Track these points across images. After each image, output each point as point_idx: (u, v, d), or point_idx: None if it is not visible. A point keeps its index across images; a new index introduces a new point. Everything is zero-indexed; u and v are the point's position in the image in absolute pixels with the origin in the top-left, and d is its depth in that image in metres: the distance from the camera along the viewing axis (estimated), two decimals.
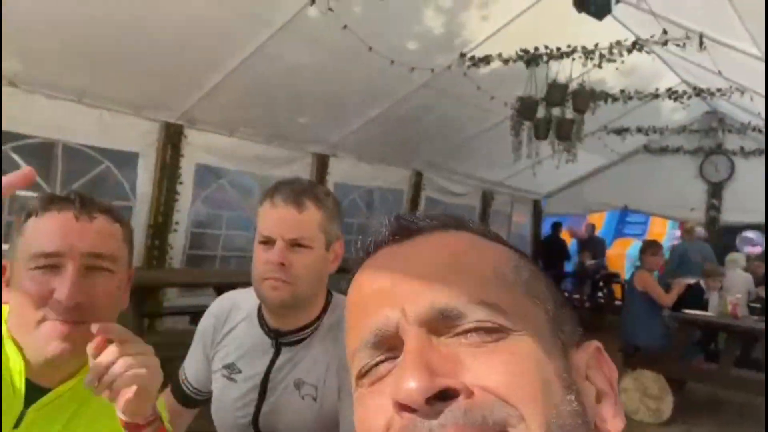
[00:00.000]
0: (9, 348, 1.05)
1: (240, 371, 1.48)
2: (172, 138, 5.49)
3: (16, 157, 4.63)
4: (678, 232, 10.32)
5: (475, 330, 0.48)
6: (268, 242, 1.39)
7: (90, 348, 0.93)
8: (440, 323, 0.49)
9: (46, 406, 1.05)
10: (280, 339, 1.46)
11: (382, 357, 0.51)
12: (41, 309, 1.00)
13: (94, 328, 0.93)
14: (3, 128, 4.49)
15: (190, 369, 1.62)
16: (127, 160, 5.38)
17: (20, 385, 1.04)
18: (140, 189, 5.46)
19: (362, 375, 0.52)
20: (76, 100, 4.76)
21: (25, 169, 0.72)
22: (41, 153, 4.82)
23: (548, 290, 0.55)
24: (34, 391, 1.05)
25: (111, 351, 0.93)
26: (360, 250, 0.59)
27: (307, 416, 1.41)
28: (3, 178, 0.72)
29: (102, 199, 1.11)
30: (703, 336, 6.27)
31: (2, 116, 4.38)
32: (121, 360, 0.92)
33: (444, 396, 0.45)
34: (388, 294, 0.52)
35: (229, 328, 1.54)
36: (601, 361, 0.55)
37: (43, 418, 1.05)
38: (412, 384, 0.44)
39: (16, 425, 1.03)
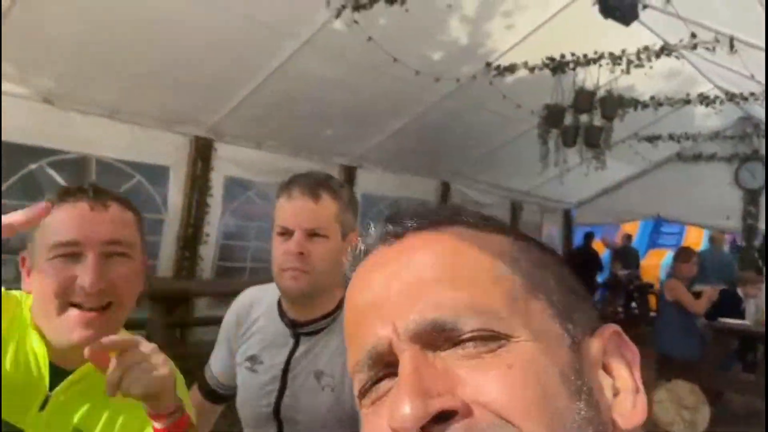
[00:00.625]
0: (33, 335, 1.08)
1: (262, 362, 1.52)
2: (201, 152, 5.59)
3: (51, 172, 4.77)
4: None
5: (471, 340, 0.46)
6: (285, 233, 1.43)
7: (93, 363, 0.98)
8: (434, 337, 0.46)
9: (69, 388, 1.08)
10: (298, 329, 1.50)
11: (381, 374, 0.49)
12: (63, 297, 1.04)
13: (103, 342, 0.97)
14: (39, 144, 4.65)
15: (216, 364, 1.67)
16: (158, 174, 5.50)
17: (44, 369, 1.07)
18: (171, 202, 5.57)
19: (363, 394, 0.51)
20: (109, 116, 4.89)
21: (41, 204, 0.78)
22: (76, 168, 4.96)
23: (554, 278, 0.52)
24: (58, 374, 1.08)
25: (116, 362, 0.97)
26: (351, 256, 0.57)
27: (326, 407, 1.43)
28: (19, 214, 0.80)
29: (112, 190, 1.14)
30: (740, 345, 6.10)
31: (38, 133, 4.53)
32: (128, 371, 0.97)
33: (442, 417, 0.43)
34: (378, 308, 0.50)
35: (251, 322, 1.59)
36: (620, 345, 0.52)
37: (67, 401, 1.08)
38: (405, 410, 0.42)
39: (42, 408, 1.06)
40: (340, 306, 1.50)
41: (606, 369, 0.51)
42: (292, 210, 1.43)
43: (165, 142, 5.38)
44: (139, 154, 5.24)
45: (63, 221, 1.06)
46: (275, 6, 4.21)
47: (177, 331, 5.43)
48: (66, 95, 4.56)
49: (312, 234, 1.41)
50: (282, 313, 1.53)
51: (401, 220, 0.55)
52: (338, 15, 4.41)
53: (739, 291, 6.25)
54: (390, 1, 4.20)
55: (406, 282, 0.49)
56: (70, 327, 1.04)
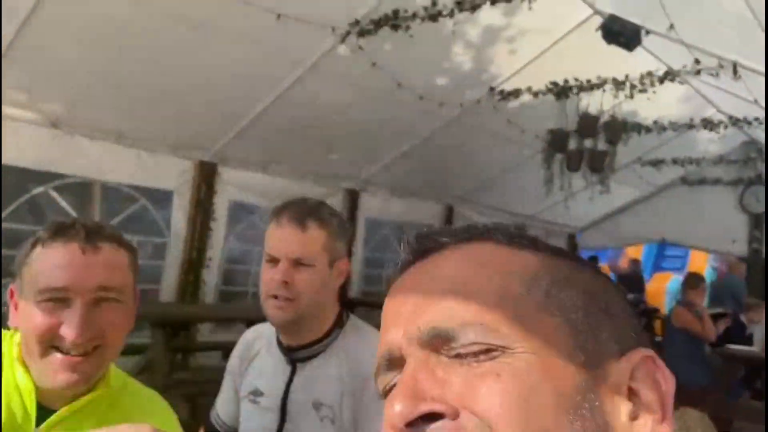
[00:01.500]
0: (20, 372, 1.07)
1: (262, 393, 1.52)
2: (206, 176, 5.60)
3: (56, 196, 4.78)
4: (719, 266, 10.07)
5: (471, 352, 0.48)
6: (273, 261, 1.44)
7: None
8: (437, 344, 0.49)
9: (54, 426, 1.06)
10: (293, 355, 1.49)
11: (396, 377, 0.52)
12: (48, 342, 1.02)
13: None
14: (45, 168, 4.66)
15: (222, 406, 1.66)
16: (162, 198, 5.51)
17: (31, 407, 1.05)
18: (175, 226, 5.56)
19: (385, 396, 0.53)
20: (115, 140, 4.92)
21: None
22: (80, 192, 4.97)
23: (581, 296, 0.52)
24: (43, 413, 1.06)
25: None
26: (392, 272, 0.60)
27: None
28: None
29: (105, 226, 1.12)
30: (747, 372, 6.02)
31: (45, 157, 4.56)
32: None
33: (430, 418, 0.46)
34: (396, 317, 0.53)
35: (253, 356, 1.59)
36: (653, 371, 0.51)
37: None
38: (396, 409, 0.46)
39: None
40: (331, 331, 1.49)
41: (632, 394, 0.50)
42: (279, 238, 1.44)
43: (169, 167, 5.40)
44: (144, 179, 5.26)
45: (53, 265, 1.04)
46: (280, 32, 4.25)
47: (179, 355, 5.38)
48: (73, 120, 4.59)
49: (297, 263, 1.42)
50: (279, 342, 1.53)
51: (432, 237, 0.58)
52: (343, 40, 4.45)
53: (742, 318, 6.19)
54: (394, 27, 4.24)
55: (421, 293, 0.53)
56: (55, 370, 1.02)
